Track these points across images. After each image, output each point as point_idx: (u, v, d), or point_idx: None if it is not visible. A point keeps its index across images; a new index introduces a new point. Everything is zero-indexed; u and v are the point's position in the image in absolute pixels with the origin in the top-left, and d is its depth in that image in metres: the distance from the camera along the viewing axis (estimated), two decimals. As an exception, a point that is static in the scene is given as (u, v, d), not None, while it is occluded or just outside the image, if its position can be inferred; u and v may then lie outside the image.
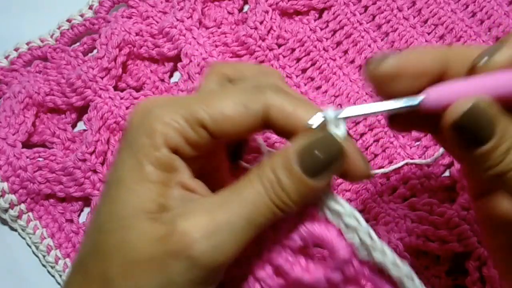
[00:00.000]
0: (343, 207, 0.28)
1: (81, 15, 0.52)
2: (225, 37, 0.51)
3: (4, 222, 0.48)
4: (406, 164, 0.47)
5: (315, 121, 0.28)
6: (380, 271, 0.28)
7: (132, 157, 0.28)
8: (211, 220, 0.26)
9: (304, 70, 0.51)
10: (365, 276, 0.29)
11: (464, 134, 0.27)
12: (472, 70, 0.28)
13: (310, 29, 0.52)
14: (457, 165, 0.47)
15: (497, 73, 0.27)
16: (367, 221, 0.29)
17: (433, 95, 0.28)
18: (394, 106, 0.28)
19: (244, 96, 0.28)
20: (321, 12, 0.53)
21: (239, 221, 0.26)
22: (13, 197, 0.47)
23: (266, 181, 0.27)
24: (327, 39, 0.52)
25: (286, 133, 0.29)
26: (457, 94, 0.27)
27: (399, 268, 0.28)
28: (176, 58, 0.51)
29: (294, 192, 0.27)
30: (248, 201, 0.27)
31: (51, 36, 0.52)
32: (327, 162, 0.27)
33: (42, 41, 0.52)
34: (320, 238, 0.28)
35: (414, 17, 0.53)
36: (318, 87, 0.51)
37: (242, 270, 0.30)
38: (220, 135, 0.28)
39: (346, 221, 0.28)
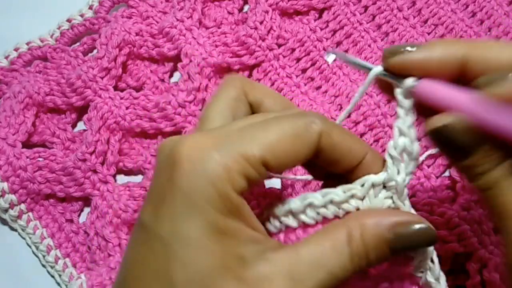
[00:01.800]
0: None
1: (81, 15, 0.52)
2: (225, 37, 0.51)
3: (4, 222, 0.48)
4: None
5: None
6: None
7: (191, 207, 0.25)
8: (294, 279, 0.26)
9: (304, 70, 0.51)
10: None
11: (439, 146, 0.27)
12: (474, 84, 0.27)
13: (310, 29, 0.52)
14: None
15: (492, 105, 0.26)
16: None
17: (424, 88, 0.28)
18: (380, 74, 0.29)
19: (299, 126, 0.27)
20: (321, 12, 0.53)
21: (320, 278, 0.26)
22: (13, 197, 0.47)
23: (355, 254, 0.27)
24: (327, 39, 0.52)
25: (334, 163, 0.29)
26: (445, 100, 0.27)
27: None
28: (176, 58, 0.51)
29: (375, 263, 0.27)
30: (331, 272, 0.26)
31: (51, 36, 0.52)
32: (415, 248, 0.28)
33: (42, 41, 0.52)
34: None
35: (414, 17, 0.53)
36: (318, 87, 0.51)
37: None
38: (277, 169, 0.27)
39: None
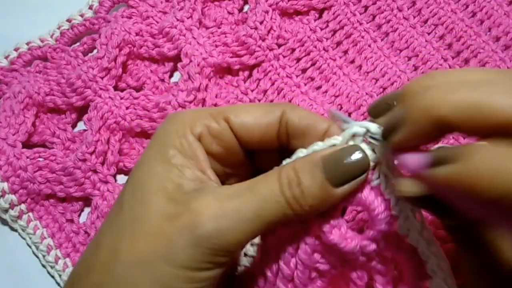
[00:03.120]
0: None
1: (81, 15, 0.52)
2: (225, 37, 0.51)
3: (5, 222, 0.48)
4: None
5: (346, 132, 0.30)
6: (413, 248, 0.29)
7: (157, 144, 0.31)
8: (220, 205, 0.28)
9: (304, 70, 0.51)
10: (396, 251, 0.29)
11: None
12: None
13: (310, 29, 0.52)
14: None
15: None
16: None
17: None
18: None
19: (264, 105, 0.32)
20: (321, 12, 0.53)
21: (247, 213, 0.28)
22: (13, 197, 0.47)
23: (284, 179, 0.28)
24: (327, 39, 0.52)
25: (301, 136, 0.31)
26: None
27: (431, 246, 0.29)
28: (176, 58, 0.51)
29: (313, 197, 0.28)
30: (260, 196, 0.28)
31: (51, 36, 0.52)
32: (352, 174, 0.28)
33: (42, 41, 0.52)
34: (367, 204, 0.29)
35: (414, 17, 0.53)
36: (318, 87, 0.51)
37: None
38: (241, 131, 0.31)
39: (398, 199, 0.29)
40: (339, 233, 0.29)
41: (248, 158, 0.34)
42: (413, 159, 0.26)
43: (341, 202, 0.29)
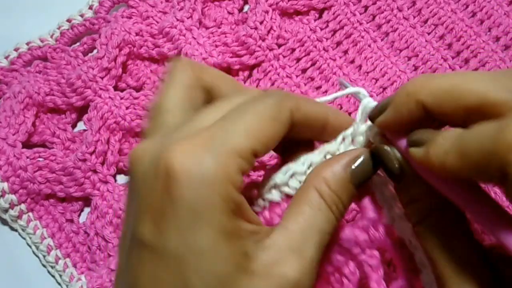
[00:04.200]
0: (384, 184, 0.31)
1: (81, 15, 0.52)
2: (225, 37, 0.51)
3: (4, 222, 0.48)
4: None
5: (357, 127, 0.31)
6: (401, 240, 0.30)
7: (198, 217, 0.25)
8: (302, 259, 0.27)
9: (304, 70, 0.51)
10: (387, 242, 0.30)
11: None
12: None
13: (310, 29, 0.52)
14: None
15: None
16: None
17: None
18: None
19: (273, 108, 0.28)
20: (321, 12, 0.53)
21: (318, 251, 0.28)
22: (13, 197, 0.47)
23: (330, 203, 0.29)
24: (327, 39, 0.52)
25: (305, 132, 0.31)
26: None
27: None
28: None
29: (348, 204, 0.30)
30: (321, 230, 0.28)
31: (51, 36, 0.52)
32: (371, 175, 0.30)
33: (42, 41, 0.52)
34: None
35: (414, 17, 0.53)
36: (318, 87, 0.51)
37: None
38: (263, 153, 0.28)
39: (382, 190, 0.30)
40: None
41: None
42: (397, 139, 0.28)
43: None
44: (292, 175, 0.30)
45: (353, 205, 0.31)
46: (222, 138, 0.26)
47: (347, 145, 0.31)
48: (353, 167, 0.29)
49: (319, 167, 0.30)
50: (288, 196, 0.30)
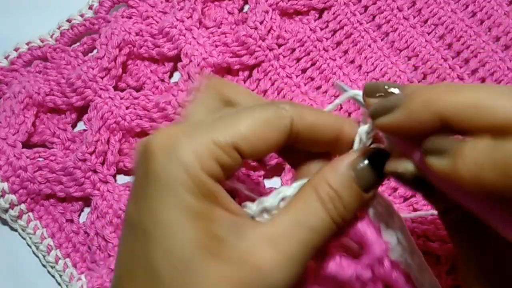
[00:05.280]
0: (386, 209, 0.29)
1: (81, 15, 0.52)
2: (225, 37, 0.51)
3: (5, 222, 0.48)
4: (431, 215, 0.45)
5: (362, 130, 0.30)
6: (407, 275, 0.29)
7: (166, 192, 0.26)
8: (280, 253, 0.26)
9: (304, 70, 0.51)
10: (392, 278, 0.29)
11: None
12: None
13: (310, 29, 0.52)
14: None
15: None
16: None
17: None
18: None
19: (270, 113, 0.28)
20: (321, 12, 0.53)
21: (303, 249, 0.27)
22: (13, 197, 0.47)
23: (326, 198, 0.27)
24: (327, 39, 0.52)
25: (314, 143, 0.30)
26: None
27: (424, 273, 0.29)
28: (176, 58, 0.51)
29: (354, 209, 0.28)
30: (310, 227, 0.27)
31: (51, 36, 0.52)
32: (381, 178, 0.29)
33: (42, 41, 0.52)
34: (359, 234, 0.29)
35: (414, 17, 0.53)
36: (318, 87, 0.51)
37: None
38: (252, 155, 0.28)
39: (387, 221, 0.29)
40: (335, 263, 0.29)
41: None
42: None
43: (338, 234, 0.29)
44: (282, 199, 0.29)
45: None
46: (208, 129, 0.27)
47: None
48: (358, 167, 0.28)
49: (323, 169, 0.29)
50: None
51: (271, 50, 0.51)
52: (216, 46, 0.50)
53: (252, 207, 0.29)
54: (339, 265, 0.29)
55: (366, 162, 0.28)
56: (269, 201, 0.29)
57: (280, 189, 0.29)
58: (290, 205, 0.28)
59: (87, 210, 0.49)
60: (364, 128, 0.30)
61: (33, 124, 0.49)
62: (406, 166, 0.27)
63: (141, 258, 0.26)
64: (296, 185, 0.29)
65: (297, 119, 0.29)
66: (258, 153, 0.28)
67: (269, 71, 0.51)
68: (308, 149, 0.31)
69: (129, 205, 0.28)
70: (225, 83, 0.34)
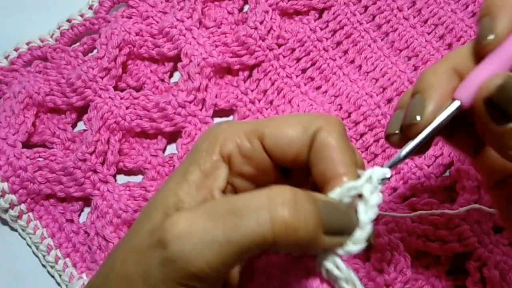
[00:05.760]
0: (341, 271, 0.27)
1: (81, 15, 0.52)
2: (225, 37, 0.51)
3: (5, 222, 0.48)
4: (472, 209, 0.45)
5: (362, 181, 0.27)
6: None
7: (186, 159, 0.30)
8: (192, 222, 0.25)
9: (304, 70, 0.51)
10: None
11: (496, 108, 0.28)
12: (480, 53, 0.30)
13: (310, 29, 0.52)
14: (457, 165, 0.47)
15: (504, 45, 0.28)
16: None
17: (465, 94, 0.29)
18: (441, 119, 0.29)
19: (303, 119, 0.29)
20: (321, 12, 0.53)
21: (218, 236, 0.25)
22: (13, 197, 0.47)
23: (279, 199, 0.25)
24: (327, 39, 0.52)
25: (320, 173, 0.29)
26: (483, 82, 0.28)
27: None
28: (176, 58, 0.51)
29: (304, 230, 0.25)
30: (239, 217, 0.25)
31: (51, 36, 0.52)
32: (348, 231, 0.27)
33: (42, 41, 0.52)
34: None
35: (414, 17, 0.53)
36: (318, 87, 0.51)
37: None
38: (275, 151, 0.29)
39: (342, 285, 0.27)
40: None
41: (283, 177, 0.31)
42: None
43: None
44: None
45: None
46: (251, 122, 0.31)
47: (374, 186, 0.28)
48: (326, 202, 0.27)
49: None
50: None
51: (271, 50, 0.51)
52: (216, 46, 0.51)
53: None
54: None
55: (340, 204, 0.27)
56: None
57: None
58: (239, 199, 0.26)
59: (87, 210, 0.49)
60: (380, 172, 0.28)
61: (33, 124, 0.49)
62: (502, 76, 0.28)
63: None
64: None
65: (323, 131, 0.28)
66: (282, 151, 0.29)
67: (269, 71, 0.51)
68: (310, 172, 0.30)
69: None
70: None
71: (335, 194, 0.27)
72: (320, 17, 0.53)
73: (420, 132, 0.29)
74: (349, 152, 0.29)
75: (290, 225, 0.25)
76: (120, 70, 0.50)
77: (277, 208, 0.25)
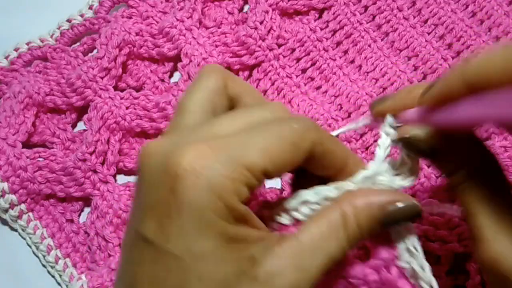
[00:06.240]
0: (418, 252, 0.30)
1: (81, 15, 0.52)
2: (225, 37, 0.51)
3: (4, 222, 0.48)
4: None
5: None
6: (413, 284, 0.29)
7: (199, 219, 0.25)
8: (301, 279, 0.26)
9: (304, 70, 0.51)
10: (398, 285, 0.29)
11: (410, 151, 0.31)
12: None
13: (310, 29, 0.52)
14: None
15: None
16: None
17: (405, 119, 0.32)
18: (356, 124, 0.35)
19: (293, 134, 0.28)
20: (321, 12, 0.53)
21: (319, 276, 0.27)
22: (13, 197, 0.47)
23: (351, 234, 0.28)
24: (327, 39, 0.52)
25: (321, 168, 0.30)
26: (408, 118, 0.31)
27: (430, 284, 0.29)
28: (176, 58, 0.51)
29: (365, 240, 0.29)
30: (330, 253, 0.27)
31: (51, 36, 0.52)
32: (402, 222, 0.30)
33: (42, 41, 0.52)
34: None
35: (414, 17, 0.53)
36: (318, 87, 0.51)
37: None
38: (274, 176, 0.28)
39: (397, 227, 0.30)
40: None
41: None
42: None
43: None
44: (303, 202, 0.30)
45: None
46: (237, 149, 0.26)
47: (368, 186, 0.30)
48: (390, 208, 0.29)
49: (354, 193, 0.29)
50: (297, 221, 0.30)
51: (271, 50, 0.51)
52: (216, 46, 0.51)
53: (284, 218, 0.30)
54: (348, 262, 0.29)
55: (400, 206, 0.29)
56: (291, 202, 0.30)
57: (301, 192, 0.30)
58: (315, 224, 0.28)
59: (87, 210, 0.49)
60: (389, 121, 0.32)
61: (33, 124, 0.49)
62: (415, 132, 0.29)
63: (171, 285, 0.26)
64: (318, 190, 0.30)
65: (317, 144, 0.29)
66: (279, 174, 0.28)
67: (269, 71, 0.51)
68: (310, 171, 0.31)
69: (148, 226, 0.26)
70: (230, 75, 0.33)
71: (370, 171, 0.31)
72: (320, 17, 0.53)
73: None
74: (339, 144, 0.31)
75: (356, 245, 0.29)
76: (120, 70, 0.50)
77: (351, 244, 0.29)
